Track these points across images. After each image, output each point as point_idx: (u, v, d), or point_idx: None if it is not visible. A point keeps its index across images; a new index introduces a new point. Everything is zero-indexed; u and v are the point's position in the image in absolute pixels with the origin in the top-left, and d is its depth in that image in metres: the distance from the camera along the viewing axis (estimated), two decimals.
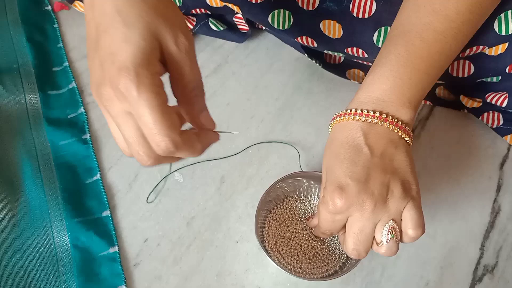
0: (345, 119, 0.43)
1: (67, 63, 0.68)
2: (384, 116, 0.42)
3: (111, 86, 0.31)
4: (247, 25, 0.66)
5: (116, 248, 0.54)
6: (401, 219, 0.41)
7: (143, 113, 0.31)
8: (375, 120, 0.42)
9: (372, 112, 0.42)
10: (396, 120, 0.42)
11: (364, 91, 0.45)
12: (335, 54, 0.67)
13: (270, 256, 0.53)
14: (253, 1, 0.57)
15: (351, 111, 0.43)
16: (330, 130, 0.46)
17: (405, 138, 0.43)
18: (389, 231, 0.40)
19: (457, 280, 0.55)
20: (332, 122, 0.45)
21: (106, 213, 0.56)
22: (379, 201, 0.40)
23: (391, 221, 0.40)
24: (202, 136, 0.36)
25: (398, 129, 0.42)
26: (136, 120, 0.32)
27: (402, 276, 0.55)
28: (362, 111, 0.43)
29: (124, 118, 0.32)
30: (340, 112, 0.45)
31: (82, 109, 0.63)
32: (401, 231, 0.41)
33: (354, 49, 0.60)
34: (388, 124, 0.42)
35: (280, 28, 0.59)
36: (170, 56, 0.34)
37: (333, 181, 0.41)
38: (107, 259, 0.53)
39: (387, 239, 0.40)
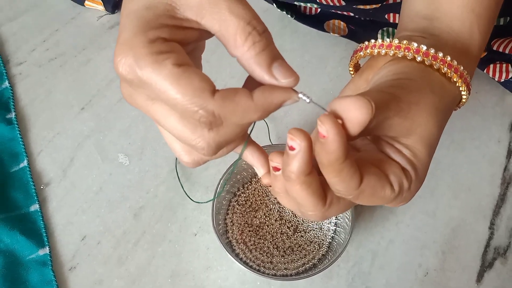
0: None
1: None
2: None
3: (120, 77, 0.25)
4: None
5: (47, 250, 0.46)
6: None
7: (159, 88, 0.23)
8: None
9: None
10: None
11: None
12: (308, 5, 0.56)
13: (234, 251, 0.44)
14: None
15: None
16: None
17: None
18: None
19: (463, 267, 0.46)
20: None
21: (35, 207, 0.48)
22: None
23: None
24: (261, 90, 0.25)
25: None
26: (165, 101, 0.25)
27: (396, 265, 0.46)
28: None
29: (153, 107, 0.26)
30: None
31: (6, 83, 0.53)
32: None
33: None
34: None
35: None
36: (191, 12, 0.25)
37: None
38: (37, 263, 0.46)
39: None
